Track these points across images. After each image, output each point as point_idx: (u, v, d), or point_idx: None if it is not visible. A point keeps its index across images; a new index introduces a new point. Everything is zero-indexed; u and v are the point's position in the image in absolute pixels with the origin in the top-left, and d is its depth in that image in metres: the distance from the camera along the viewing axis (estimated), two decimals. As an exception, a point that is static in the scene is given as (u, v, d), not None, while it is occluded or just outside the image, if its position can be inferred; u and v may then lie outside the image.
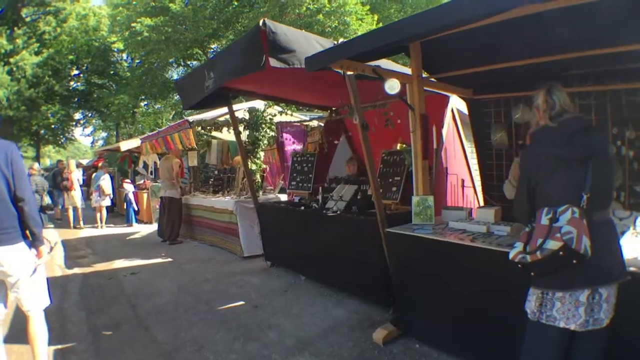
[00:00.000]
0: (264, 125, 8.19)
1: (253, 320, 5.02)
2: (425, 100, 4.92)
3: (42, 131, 34.16)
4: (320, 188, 6.72)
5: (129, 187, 13.14)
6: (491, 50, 4.79)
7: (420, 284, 4.20)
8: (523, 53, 4.69)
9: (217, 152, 11.05)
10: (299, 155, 7.49)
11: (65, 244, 10.65)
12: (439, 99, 6.24)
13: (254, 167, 8.28)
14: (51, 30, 29.37)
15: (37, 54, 28.10)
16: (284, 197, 8.45)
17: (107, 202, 12.89)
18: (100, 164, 13.45)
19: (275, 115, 8.21)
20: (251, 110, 8.26)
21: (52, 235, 12.12)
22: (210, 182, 10.87)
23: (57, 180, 14.86)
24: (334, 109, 7.97)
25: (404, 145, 6.01)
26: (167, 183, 9.76)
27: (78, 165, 13.17)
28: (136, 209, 13.21)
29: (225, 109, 8.85)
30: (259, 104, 8.56)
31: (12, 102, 26.27)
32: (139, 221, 13.42)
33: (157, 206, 12.98)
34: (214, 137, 11.46)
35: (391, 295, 4.90)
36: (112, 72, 31.58)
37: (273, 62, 4.05)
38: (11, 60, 26.70)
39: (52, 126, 34.18)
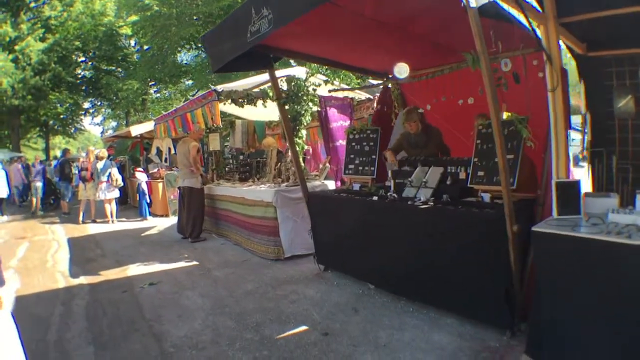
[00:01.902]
0: (305, 98, 6.52)
1: (330, 358, 3.46)
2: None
3: (51, 121, 32.53)
4: (390, 172, 5.13)
5: (141, 177, 11.53)
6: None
7: (588, 307, 2.76)
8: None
9: (242, 134, 9.41)
10: (356, 130, 5.83)
11: (72, 242, 9.12)
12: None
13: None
14: (57, 15, 27.61)
15: (42, 40, 26.41)
16: (331, 185, 6.82)
17: (116, 193, 11.30)
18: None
19: (319, 85, 6.54)
20: (290, 80, 6.58)
21: None
22: (227, 169, 9.26)
23: (65, 170, 13.31)
24: (390, 76, 6.33)
25: (511, 114, 4.39)
26: (185, 171, 8.16)
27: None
28: (148, 200, 11.58)
29: (256, 79, 7.24)
30: (298, 71, 6.87)
31: (18, 90, 24.64)
32: (153, 214, 11.81)
33: (172, 197, 11.47)
34: (238, 117, 9.83)
35: (515, 314, 3.58)
36: (120, 57, 29.76)
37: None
38: (16, 47, 25.06)
39: (61, 116, 32.57)
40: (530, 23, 3.20)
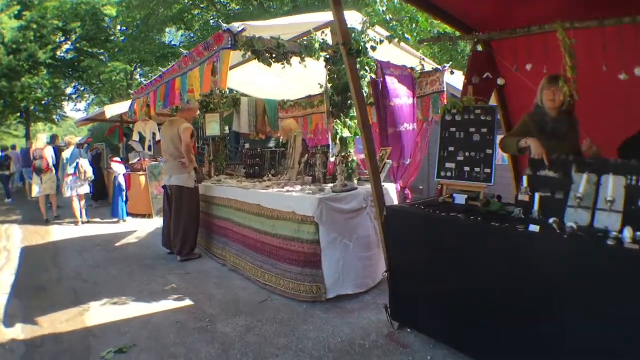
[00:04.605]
0: (361, 59, 4.10)
1: None
2: None
3: (32, 107, 29.23)
4: (526, 179, 2.87)
5: (118, 168, 8.92)
6: None
7: None
8: None
9: (249, 115, 6.94)
10: (457, 109, 3.46)
11: (25, 255, 6.64)
12: None
13: (346, 133, 4.25)
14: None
15: (18, 17, 23.26)
16: (391, 189, 4.48)
17: (86, 189, 8.76)
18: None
19: (381, 42, 4.15)
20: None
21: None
22: (225, 157, 6.80)
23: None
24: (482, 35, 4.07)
25: None
26: (173, 163, 5.73)
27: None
28: (125, 198, 8.98)
29: (287, 20, 4.68)
30: (350, 18, 4.38)
31: (-11, 71, 21.59)
32: (131, 214, 9.22)
33: (156, 192, 8.99)
34: (244, 95, 7.35)
35: None
36: (103, 38, 26.63)
37: None
38: (-13, 25, 21.90)
39: (43, 102, 29.29)
40: None
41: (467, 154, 3.40)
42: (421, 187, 6.13)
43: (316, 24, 4.17)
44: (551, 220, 2.59)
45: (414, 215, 3.18)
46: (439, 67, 5.08)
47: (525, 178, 2.99)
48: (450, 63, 6.01)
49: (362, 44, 4.05)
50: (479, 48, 4.21)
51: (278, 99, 7.39)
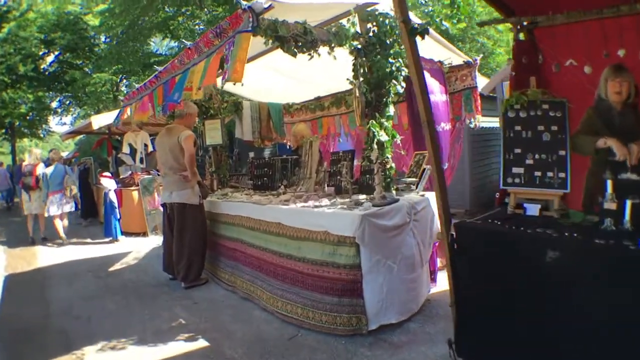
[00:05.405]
0: (397, 48, 3.47)
1: None
2: None
3: (16, 123, 28.04)
4: (609, 184, 2.46)
5: (108, 184, 8.14)
6: None
7: None
8: None
9: (253, 120, 6.25)
10: (520, 104, 2.84)
11: (9, 286, 5.87)
12: None
13: (383, 136, 3.60)
14: (14, 6, 23.37)
15: (-5, 30, 22.30)
16: (431, 198, 3.85)
17: (70, 206, 8.16)
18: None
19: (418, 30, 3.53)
20: (369, 16, 3.53)
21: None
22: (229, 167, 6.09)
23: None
24: (525, 23, 3.50)
25: None
26: (173, 177, 5.01)
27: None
28: (118, 216, 8.19)
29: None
30: (382, 1, 3.72)
31: (-34, 86, 20.61)
32: (125, 233, 8.42)
33: (150, 207, 8.30)
34: (245, 99, 6.65)
35: None
36: (86, 47, 25.59)
37: None
38: (-36, 38, 20.95)
39: (27, 117, 28.13)
40: None
41: (536, 156, 2.81)
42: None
43: (350, 5, 3.50)
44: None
45: (490, 233, 2.54)
46: (470, 60, 4.47)
47: (609, 183, 2.44)
48: (481, 56, 5.46)
49: (392, 32, 3.41)
50: (521, 37, 3.65)
51: (282, 102, 6.70)
